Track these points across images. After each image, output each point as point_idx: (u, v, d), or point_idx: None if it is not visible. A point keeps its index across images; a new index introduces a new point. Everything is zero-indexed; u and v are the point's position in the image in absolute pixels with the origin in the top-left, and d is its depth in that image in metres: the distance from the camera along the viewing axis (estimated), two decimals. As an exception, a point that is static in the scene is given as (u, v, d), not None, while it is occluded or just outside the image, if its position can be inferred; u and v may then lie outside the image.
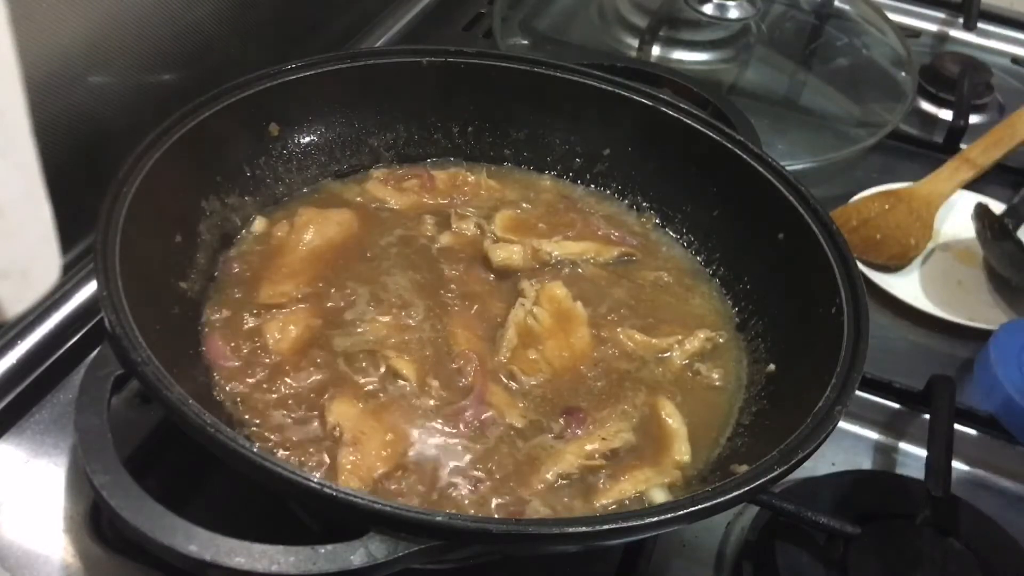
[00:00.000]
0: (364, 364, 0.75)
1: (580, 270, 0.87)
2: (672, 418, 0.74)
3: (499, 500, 0.68)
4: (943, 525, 0.73)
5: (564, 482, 0.70)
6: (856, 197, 1.07)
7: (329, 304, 0.79)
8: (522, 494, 0.69)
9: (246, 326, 0.78)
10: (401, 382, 0.74)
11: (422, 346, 0.77)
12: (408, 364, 0.75)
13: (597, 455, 0.71)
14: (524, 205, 0.92)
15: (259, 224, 0.85)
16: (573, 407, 0.74)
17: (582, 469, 0.70)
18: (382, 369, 0.74)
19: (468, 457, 0.71)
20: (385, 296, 0.80)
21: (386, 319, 0.78)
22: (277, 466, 0.56)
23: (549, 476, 0.69)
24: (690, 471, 0.72)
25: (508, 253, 0.85)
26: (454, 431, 0.72)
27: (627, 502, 0.69)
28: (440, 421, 0.72)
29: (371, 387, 0.73)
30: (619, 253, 0.88)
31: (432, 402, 0.73)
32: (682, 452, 0.72)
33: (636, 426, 0.74)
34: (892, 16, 1.33)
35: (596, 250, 0.88)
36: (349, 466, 0.67)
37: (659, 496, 0.69)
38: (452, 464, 0.70)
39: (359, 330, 0.77)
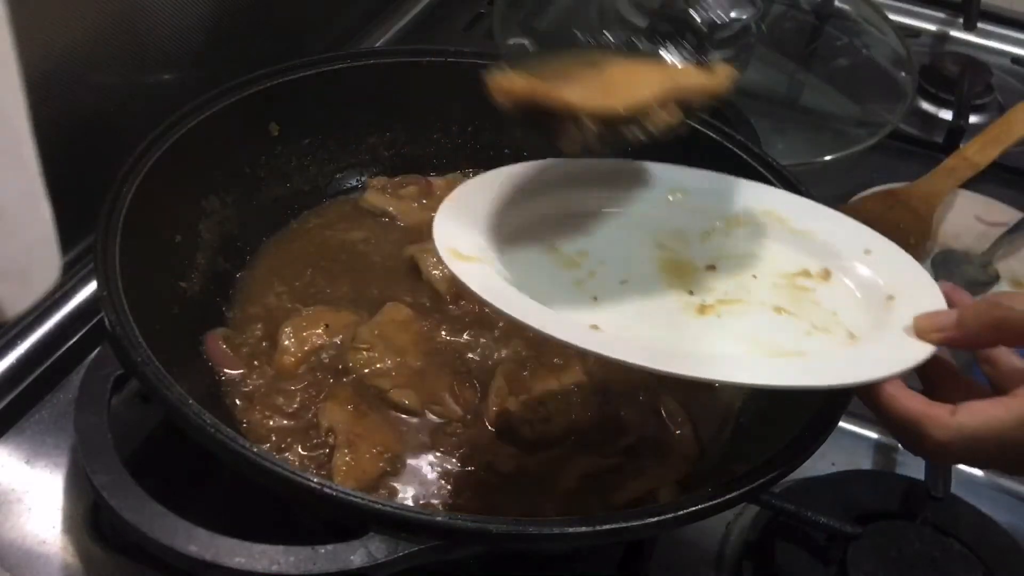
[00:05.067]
0: (367, 383, 0.74)
1: None
2: (677, 415, 0.75)
3: (510, 503, 0.68)
4: (943, 525, 0.73)
5: (580, 483, 0.70)
6: (856, 197, 1.07)
7: (340, 315, 0.79)
8: (535, 498, 0.69)
9: (249, 327, 0.78)
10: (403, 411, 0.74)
11: (423, 376, 0.76)
12: (411, 395, 0.74)
13: (614, 454, 0.71)
14: None
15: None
16: (614, 414, 0.74)
17: (601, 469, 0.71)
18: (387, 394, 0.74)
19: (473, 455, 0.71)
20: (391, 316, 0.80)
21: (392, 343, 0.77)
22: (277, 466, 0.56)
23: (571, 479, 0.70)
24: (699, 467, 0.72)
25: None
26: (457, 432, 0.72)
27: (641, 500, 0.69)
28: (442, 423, 0.73)
29: (367, 398, 0.73)
30: None
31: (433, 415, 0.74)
32: (690, 448, 0.73)
33: (644, 424, 0.74)
34: (892, 16, 1.33)
35: None
36: (344, 467, 0.68)
37: (669, 494, 0.69)
38: (456, 464, 0.70)
39: (364, 347, 0.76)
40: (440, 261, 0.83)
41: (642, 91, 0.63)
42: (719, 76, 0.67)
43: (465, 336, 0.79)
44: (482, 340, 0.79)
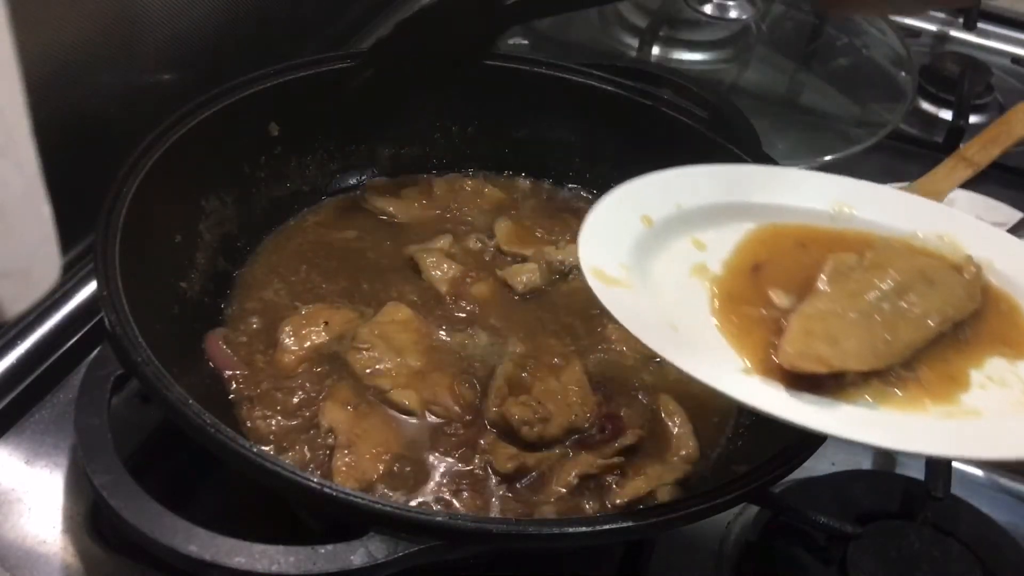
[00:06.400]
0: (367, 383, 0.74)
1: None
2: (676, 415, 0.75)
3: (510, 503, 0.68)
4: (943, 525, 0.73)
5: (579, 483, 0.70)
6: (856, 197, 1.07)
7: (340, 314, 0.79)
8: (535, 498, 0.69)
9: (246, 321, 0.78)
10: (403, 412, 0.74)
11: (423, 377, 0.75)
12: (411, 395, 0.74)
13: (614, 454, 0.71)
14: (522, 211, 0.92)
15: None
16: (614, 414, 0.74)
17: (601, 468, 0.70)
18: (387, 394, 0.74)
19: (472, 455, 0.71)
20: (391, 316, 0.79)
21: (392, 343, 0.77)
22: (277, 466, 0.56)
23: (571, 478, 0.69)
24: (699, 466, 0.72)
25: (528, 273, 0.84)
26: (457, 432, 0.72)
27: (640, 500, 0.69)
28: (441, 423, 0.73)
29: (367, 398, 0.73)
30: None
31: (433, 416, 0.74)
32: (690, 447, 0.73)
33: (644, 424, 0.74)
34: (892, 16, 1.33)
35: None
36: (344, 468, 0.67)
37: (670, 493, 0.69)
38: (456, 464, 0.70)
39: (364, 347, 0.76)
40: (440, 261, 0.84)
41: (918, 333, 0.58)
42: (974, 284, 0.62)
43: (465, 336, 0.79)
44: (482, 340, 0.79)
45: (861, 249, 0.65)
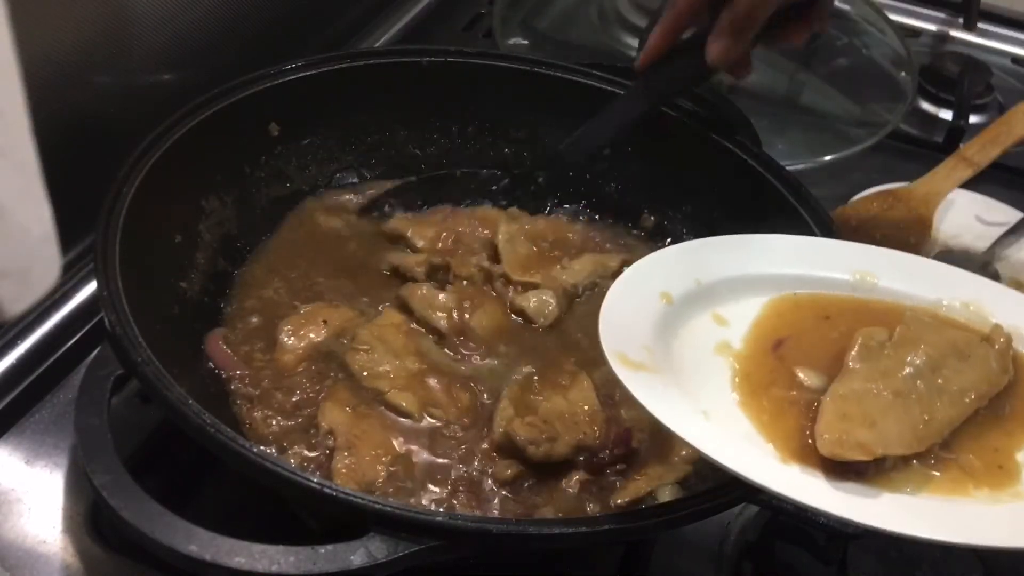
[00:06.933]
0: (365, 384, 0.74)
1: (598, 289, 0.84)
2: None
3: (509, 504, 0.68)
4: (943, 525, 0.73)
5: (580, 486, 0.70)
6: (856, 197, 1.07)
7: (339, 312, 0.79)
8: (535, 498, 0.69)
9: (245, 319, 0.78)
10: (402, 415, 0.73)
11: (421, 378, 0.75)
12: (409, 397, 0.73)
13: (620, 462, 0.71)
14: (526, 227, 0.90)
15: None
16: (623, 431, 0.72)
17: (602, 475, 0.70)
18: (385, 396, 0.73)
19: (472, 457, 0.71)
20: (391, 319, 0.79)
21: (391, 345, 0.77)
22: (277, 466, 0.56)
23: (571, 484, 0.69)
24: (699, 466, 0.72)
25: (547, 307, 0.81)
26: (461, 434, 0.72)
27: (641, 500, 0.68)
28: (440, 426, 0.73)
29: (366, 400, 0.73)
30: (620, 262, 0.86)
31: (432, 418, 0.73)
32: (689, 448, 0.72)
33: (646, 426, 0.74)
34: (892, 16, 1.33)
35: (602, 262, 0.86)
36: (344, 470, 0.67)
37: (670, 493, 0.69)
38: (456, 465, 0.70)
39: (363, 348, 0.76)
40: (429, 298, 0.80)
41: (956, 410, 0.56)
42: (1005, 354, 0.60)
43: (468, 358, 0.79)
44: (486, 361, 0.78)
45: (888, 321, 0.63)
